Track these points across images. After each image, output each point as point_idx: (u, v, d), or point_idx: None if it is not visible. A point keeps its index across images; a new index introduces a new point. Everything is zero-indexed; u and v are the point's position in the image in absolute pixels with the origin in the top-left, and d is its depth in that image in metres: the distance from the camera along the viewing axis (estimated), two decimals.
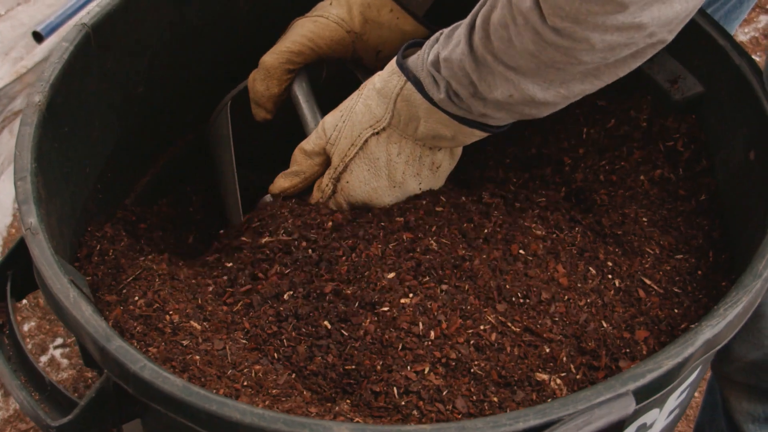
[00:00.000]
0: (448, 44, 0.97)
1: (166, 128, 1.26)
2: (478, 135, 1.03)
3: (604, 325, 0.94)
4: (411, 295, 0.95)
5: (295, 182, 1.11)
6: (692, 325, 0.85)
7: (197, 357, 0.88)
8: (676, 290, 1.00)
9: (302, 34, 1.17)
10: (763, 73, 1.01)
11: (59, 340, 1.91)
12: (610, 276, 1.00)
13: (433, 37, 1.01)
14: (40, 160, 0.96)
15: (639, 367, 0.79)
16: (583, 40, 0.84)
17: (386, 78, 1.03)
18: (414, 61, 1.01)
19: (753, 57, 1.04)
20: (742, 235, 1.00)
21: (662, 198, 1.09)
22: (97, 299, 0.96)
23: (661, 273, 1.01)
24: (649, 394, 0.80)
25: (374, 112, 1.04)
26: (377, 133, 1.05)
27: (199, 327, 0.92)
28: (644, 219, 1.07)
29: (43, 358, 1.85)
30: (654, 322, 0.95)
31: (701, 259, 1.03)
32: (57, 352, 1.90)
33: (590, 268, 1.01)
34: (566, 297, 0.96)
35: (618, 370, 0.91)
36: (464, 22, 0.95)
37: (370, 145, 1.05)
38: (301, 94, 1.19)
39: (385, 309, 0.93)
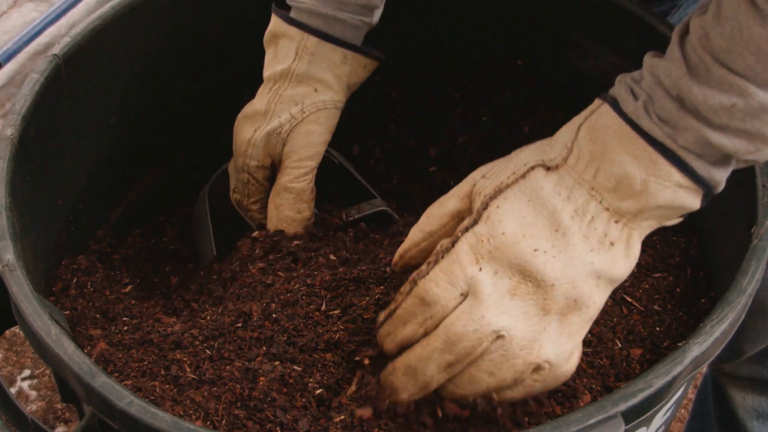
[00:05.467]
0: (655, 57, 0.80)
1: (139, 159, 1.25)
2: (674, 189, 0.78)
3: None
4: None
5: (415, 239, 0.88)
6: (679, 343, 0.86)
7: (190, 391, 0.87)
8: (656, 308, 1.00)
9: (314, 143, 1.12)
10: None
11: (26, 372, 1.89)
12: None
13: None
14: (14, 195, 0.94)
15: (630, 386, 0.80)
16: None
17: (577, 116, 0.83)
18: (613, 87, 0.83)
19: None
20: (721, 251, 1.01)
21: None
22: (77, 333, 0.95)
23: (641, 291, 1.01)
24: (639, 414, 0.80)
25: (547, 149, 0.82)
26: (547, 168, 0.81)
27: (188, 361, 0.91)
28: None
29: (12, 390, 1.82)
30: (640, 339, 0.96)
31: (679, 277, 1.04)
32: (25, 384, 1.87)
33: None
34: None
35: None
36: (675, 29, 0.78)
37: (536, 174, 0.80)
38: None
39: None
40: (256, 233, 1.13)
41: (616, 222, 0.79)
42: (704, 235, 1.06)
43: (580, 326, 0.81)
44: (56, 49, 1.06)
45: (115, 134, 1.17)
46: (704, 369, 1.38)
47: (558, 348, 0.80)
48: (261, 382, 0.88)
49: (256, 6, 1.21)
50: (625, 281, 1.01)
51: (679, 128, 0.77)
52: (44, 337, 0.82)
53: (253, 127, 1.13)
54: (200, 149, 1.32)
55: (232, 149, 1.16)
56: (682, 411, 1.75)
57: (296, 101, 1.11)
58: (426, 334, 0.80)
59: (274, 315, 0.95)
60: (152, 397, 0.86)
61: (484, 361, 0.79)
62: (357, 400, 0.87)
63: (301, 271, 1.04)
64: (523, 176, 0.81)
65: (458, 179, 1.27)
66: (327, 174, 1.19)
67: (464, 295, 0.79)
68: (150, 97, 1.21)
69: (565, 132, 0.82)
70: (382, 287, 0.97)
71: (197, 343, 0.92)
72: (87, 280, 1.03)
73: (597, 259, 0.79)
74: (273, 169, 1.14)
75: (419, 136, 1.36)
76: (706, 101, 0.74)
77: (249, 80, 1.24)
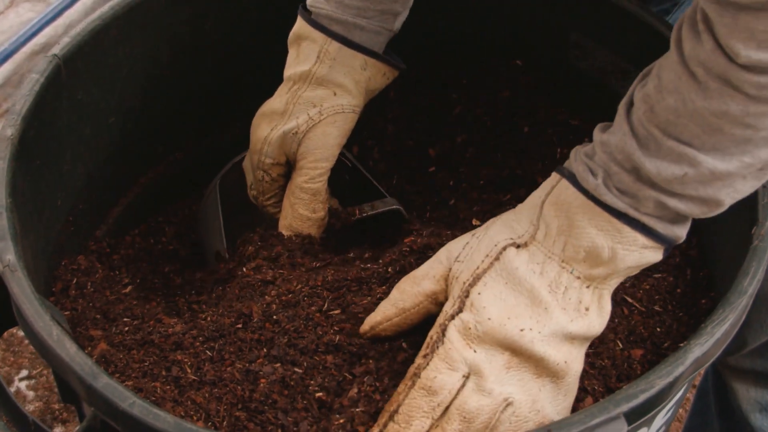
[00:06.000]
0: (604, 131, 0.84)
1: (137, 159, 1.24)
2: (639, 251, 0.83)
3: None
4: None
5: (388, 314, 0.91)
6: (681, 344, 0.86)
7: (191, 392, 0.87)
8: (657, 308, 1.00)
9: (330, 144, 1.12)
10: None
11: (24, 372, 1.88)
12: None
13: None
14: (14, 195, 0.94)
15: (632, 387, 0.80)
16: None
17: (537, 190, 0.88)
18: (568, 161, 0.87)
19: None
20: (721, 252, 1.01)
21: None
22: (78, 334, 0.95)
23: (641, 291, 1.02)
24: (641, 414, 0.80)
25: (515, 226, 0.87)
26: (518, 246, 0.85)
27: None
28: None
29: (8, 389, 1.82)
30: (641, 340, 0.96)
31: (679, 278, 1.04)
32: (22, 384, 1.87)
33: None
34: None
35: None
36: (621, 104, 0.83)
37: (508, 255, 0.85)
38: None
39: None
40: (257, 231, 1.12)
41: (588, 287, 0.85)
42: (704, 236, 1.06)
43: (572, 384, 0.86)
44: (56, 49, 1.06)
45: (114, 134, 1.17)
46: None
47: (557, 406, 0.85)
48: (262, 384, 0.88)
49: (254, 7, 1.21)
50: (626, 282, 1.01)
51: (639, 198, 0.81)
52: (46, 338, 0.82)
53: (270, 125, 1.13)
54: (199, 149, 1.32)
55: (249, 146, 1.16)
56: (680, 410, 1.75)
57: (315, 103, 1.11)
58: (433, 425, 0.83)
59: (274, 316, 0.94)
60: (153, 398, 0.86)
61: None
62: (357, 403, 0.88)
63: (303, 270, 1.03)
64: (497, 258, 0.85)
65: (457, 179, 1.29)
66: (339, 175, 1.19)
67: (465, 377, 0.83)
68: (149, 97, 1.21)
69: (529, 208, 0.87)
70: (384, 287, 0.97)
71: (198, 344, 0.92)
72: (87, 281, 1.03)
73: (576, 327, 0.84)
74: (288, 166, 1.15)
75: (418, 137, 1.36)
76: (659, 173, 0.79)
77: (248, 80, 1.25)
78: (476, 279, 0.85)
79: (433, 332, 0.85)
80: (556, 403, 0.85)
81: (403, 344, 0.93)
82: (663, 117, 0.78)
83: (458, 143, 1.34)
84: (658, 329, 0.98)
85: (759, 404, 1.25)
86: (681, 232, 0.85)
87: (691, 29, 0.76)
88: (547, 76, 1.30)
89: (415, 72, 1.36)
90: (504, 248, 0.85)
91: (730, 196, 0.80)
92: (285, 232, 1.12)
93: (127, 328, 0.96)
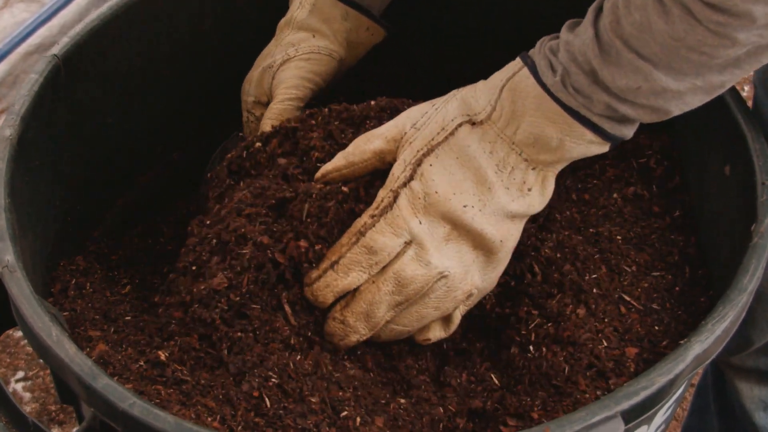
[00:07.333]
0: (572, 30, 0.88)
1: (136, 159, 1.24)
2: (586, 145, 0.89)
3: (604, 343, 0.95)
4: None
5: (338, 165, 0.96)
6: (681, 341, 0.86)
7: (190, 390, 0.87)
8: (655, 307, 1.00)
9: (302, 76, 1.14)
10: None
11: (20, 374, 1.88)
12: None
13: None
14: (12, 196, 0.94)
15: (631, 385, 0.80)
16: (744, 14, 0.76)
17: (499, 71, 0.92)
18: (534, 49, 0.92)
19: None
20: (720, 250, 1.01)
21: (636, 215, 1.10)
22: (76, 334, 0.94)
23: (639, 290, 1.02)
24: (641, 412, 0.81)
25: (472, 104, 0.91)
26: (473, 123, 0.91)
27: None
28: (618, 237, 1.07)
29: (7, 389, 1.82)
30: (637, 339, 0.96)
31: (678, 276, 1.04)
32: (19, 386, 1.87)
33: None
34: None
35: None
36: (591, 7, 0.87)
37: (463, 131, 0.90)
38: None
39: None
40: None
41: (533, 169, 0.91)
42: (703, 234, 1.06)
43: (503, 258, 0.95)
44: (55, 49, 1.06)
45: (113, 134, 1.17)
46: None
47: (486, 276, 0.94)
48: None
49: (253, 7, 1.21)
50: (624, 280, 1.01)
51: (592, 99, 0.86)
52: (45, 339, 0.82)
53: (255, 68, 1.18)
54: (196, 149, 1.32)
55: None
56: (678, 409, 1.76)
57: (294, 44, 1.16)
58: (369, 280, 0.91)
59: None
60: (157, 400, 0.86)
61: (431, 299, 0.92)
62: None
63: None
64: (452, 133, 0.91)
65: None
66: None
67: (407, 244, 0.90)
68: (148, 98, 1.21)
69: (490, 88, 0.91)
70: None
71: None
72: (85, 281, 1.03)
73: (516, 206, 0.91)
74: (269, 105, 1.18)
75: None
76: (615, 81, 0.84)
77: None
78: (430, 150, 0.91)
79: (384, 195, 0.91)
80: (484, 273, 0.94)
81: None
82: (627, 30, 0.82)
83: None
84: (657, 327, 0.98)
85: (763, 403, 1.26)
86: (628, 132, 0.90)
87: None
88: None
89: (420, 66, 1.36)
90: (460, 124, 0.91)
91: (678, 107, 0.86)
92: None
93: (126, 329, 0.96)
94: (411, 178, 0.90)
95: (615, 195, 1.12)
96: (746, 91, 2.44)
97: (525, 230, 1.06)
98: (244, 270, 0.92)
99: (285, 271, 0.93)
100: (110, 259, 1.16)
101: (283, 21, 1.18)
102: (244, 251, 0.92)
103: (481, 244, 0.92)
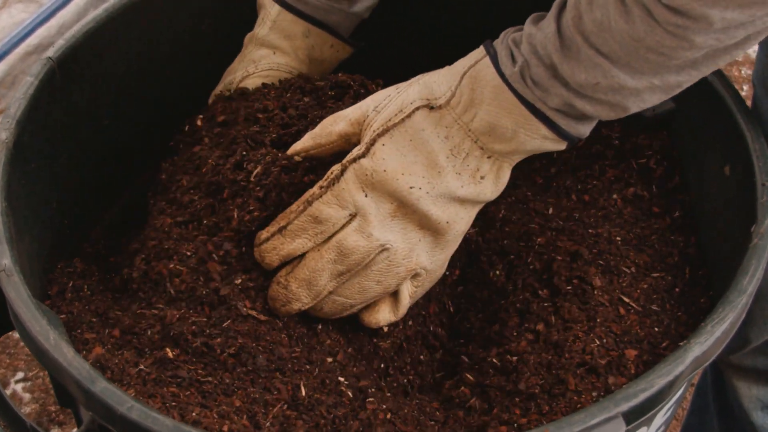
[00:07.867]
0: (535, 24, 0.89)
1: (132, 160, 1.24)
2: (541, 140, 0.90)
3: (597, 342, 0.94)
4: None
5: (306, 146, 0.98)
6: (680, 343, 0.86)
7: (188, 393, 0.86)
8: (654, 308, 1.00)
9: None
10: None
11: (20, 374, 1.88)
12: None
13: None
14: (9, 199, 0.94)
15: (631, 386, 0.80)
16: (701, 18, 0.77)
17: (463, 58, 0.93)
18: (497, 40, 0.92)
19: (726, 74, 1.05)
20: (720, 250, 1.01)
21: (636, 216, 1.10)
22: (73, 337, 0.94)
23: (639, 291, 1.01)
24: (641, 414, 0.80)
25: (434, 88, 0.92)
26: (431, 108, 0.91)
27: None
28: (618, 238, 1.07)
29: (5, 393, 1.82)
30: (637, 341, 0.96)
31: (678, 277, 1.04)
32: (18, 387, 1.86)
33: None
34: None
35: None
36: (555, 3, 0.87)
37: (419, 115, 0.91)
38: None
39: None
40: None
41: (489, 158, 0.92)
42: (703, 234, 1.06)
43: (452, 241, 0.96)
44: (50, 52, 1.06)
45: (109, 136, 1.17)
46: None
47: (433, 257, 0.96)
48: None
49: (250, 8, 1.20)
50: (623, 281, 1.01)
51: (549, 92, 0.87)
52: (43, 342, 0.82)
53: (219, 84, 1.18)
54: None
55: None
56: (678, 409, 1.75)
57: (255, 60, 1.16)
58: (313, 248, 0.93)
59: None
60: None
61: (372, 272, 0.93)
62: None
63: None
64: (408, 116, 0.91)
65: None
66: None
67: (352, 216, 0.92)
68: (144, 99, 1.20)
69: (452, 74, 0.92)
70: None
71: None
72: (83, 284, 1.03)
73: (465, 192, 0.92)
74: None
75: None
76: (574, 76, 0.85)
77: None
78: (385, 131, 0.92)
79: (336, 168, 0.93)
80: (432, 254, 0.96)
81: None
82: (588, 27, 0.82)
83: None
84: (656, 329, 0.97)
85: (761, 402, 1.26)
86: (584, 130, 0.91)
87: None
88: None
89: (417, 67, 1.36)
90: (418, 108, 0.91)
91: (636, 104, 0.87)
92: None
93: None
94: (363, 155, 0.92)
95: (615, 196, 1.12)
96: (745, 91, 2.44)
97: (525, 230, 1.06)
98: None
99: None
100: (108, 261, 1.16)
101: (247, 37, 1.18)
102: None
103: (427, 225, 0.93)
